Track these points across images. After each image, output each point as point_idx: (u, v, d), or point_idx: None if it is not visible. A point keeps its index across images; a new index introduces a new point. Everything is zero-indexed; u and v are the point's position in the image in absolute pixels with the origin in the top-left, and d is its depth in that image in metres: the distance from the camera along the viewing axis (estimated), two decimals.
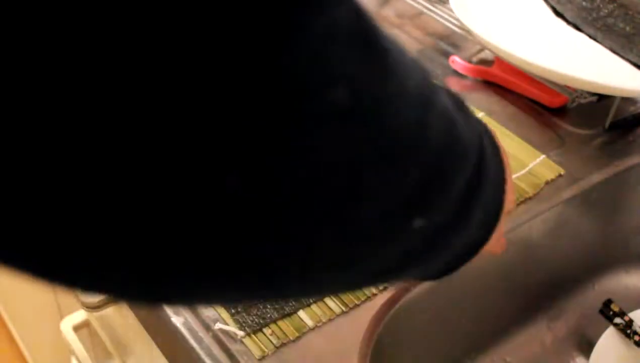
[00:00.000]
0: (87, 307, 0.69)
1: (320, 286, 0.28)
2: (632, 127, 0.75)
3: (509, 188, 0.35)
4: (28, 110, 0.17)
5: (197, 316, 0.53)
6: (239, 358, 0.50)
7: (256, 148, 0.20)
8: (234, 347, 0.51)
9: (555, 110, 0.77)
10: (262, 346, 0.51)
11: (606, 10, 0.46)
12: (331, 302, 0.55)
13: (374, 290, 0.56)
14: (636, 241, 0.76)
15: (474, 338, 0.67)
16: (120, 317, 0.73)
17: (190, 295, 0.24)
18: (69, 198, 0.18)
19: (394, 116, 0.24)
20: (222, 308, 0.53)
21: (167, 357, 0.58)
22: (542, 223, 0.66)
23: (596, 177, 0.69)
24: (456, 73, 0.82)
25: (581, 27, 0.49)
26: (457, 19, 0.80)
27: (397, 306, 0.55)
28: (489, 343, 0.69)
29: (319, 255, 0.24)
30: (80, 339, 0.78)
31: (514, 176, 0.67)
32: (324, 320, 0.53)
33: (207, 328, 0.52)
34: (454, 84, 0.81)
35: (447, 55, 0.84)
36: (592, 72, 0.68)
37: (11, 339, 1.50)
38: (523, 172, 0.68)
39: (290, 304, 0.54)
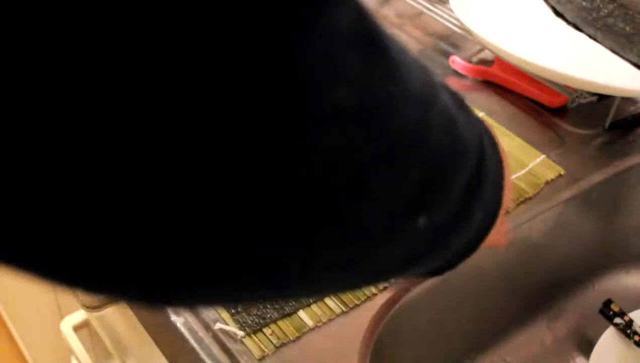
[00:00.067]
0: (87, 307, 0.69)
1: (320, 286, 0.28)
2: (632, 127, 0.75)
3: (507, 187, 0.36)
4: (30, 111, 0.17)
5: (197, 316, 0.53)
6: (239, 358, 0.50)
7: (256, 148, 0.20)
8: (234, 347, 0.51)
9: (555, 110, 0.77)
10: (262, 346, 0.51)
11: (606, 10, 0.46)
12: (331, 302, 0.55)
13: (374, 290, 0.56)
14: (636, 241, 0.76)
15: (474, 338, 0.67)
16: (120, 317, 0.73)
17: (191, 296, 0.24)
18: (72, 199, 0.18)
19: (394, 116, 0.24)
20: (222, 308, 0.53)
21: (167, 357, 0.58)
22: (542, 223, 0.66)
23: (596, 177, 0.69)
24: (456, 73, 0.82)
25: (581, 27, 0.49)
26: (457, 19, 0.80)
27: (397, 306, 0.55)
28: (489, 343, 0.69)
29: (319, 255, 0.24)
30: (80, 339, 0.78)
31: (514, 176, 0.67)
32: (324, 320, 0.53)
33: (207, 328, 0.52)
34: (454, 84, 0.81)
35: (447, 55, 0.84)
36: (592, 72, 0.68)
37: (11, 339, 1.50)
38: (523, 172, 0.68)
39: (290, 304, 0.54)
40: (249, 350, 0.51)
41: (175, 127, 0.18)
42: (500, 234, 0.38)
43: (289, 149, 0.20)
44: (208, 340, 0.51)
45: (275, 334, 0.52)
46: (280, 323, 0.53)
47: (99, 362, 0.83)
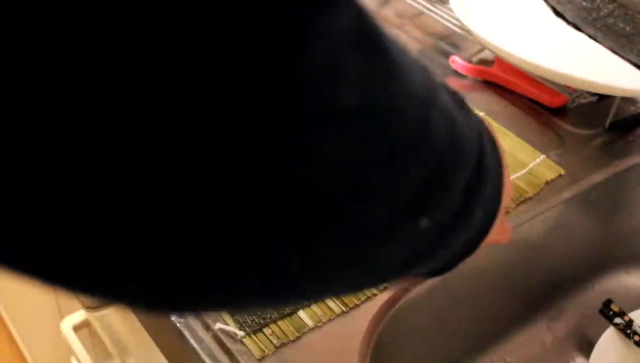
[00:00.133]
0: (87, 307, 0.69)
1: (321, 287, 0.28)
2: (632, 127, 0.75)
3: (506, 186, 0.36)
4: (30, 113, 0.17)
5: (197, 316, 0.53)
6: (239, 358, 0.50)
7: (256, 148, 0.20)
8: (234, 347, 0.51)
9: (555, 110, 0.77)
10: (262, 346, 0.51)
11: (606, 10, 0.46)
12: (331, 302, 0.55)
13: (374, 290, 0.56)
14: (636, 241, 0.76)
15: (474, 338, 0.67)
16: (120, 317, 0.73)
17: (192, 298, 0.23)
18: (71, 199, 0.18)
19: (395, 116, 0.24)
20: None
21: (167, 357, 0.58)
22: (542, 224, 0.66)
23: (596, 177, 0.69)
24: (456, 73, 0.82)
25: (581, 27, 0.49)
26: (457, 19, 0.80)
27: (397, 306, 0.55)
28: (489, 343, 0.69)
29: (319, 254, 0.24)
30: (80, 339, 0.78)
31: (514, 176, 0.67)
32: (324, 320, 0.53)
33: (207, 328, 0.52)
34: (454, 84, 0.81)
35: (447, 55, 0.84)
36: (592, 72, 0.68)
37: (11, 339, 1.50)
38: (523, 172, 0.68)
39: None
40: (249, 350, 0.51)
41: (175, 127, 0.18)
42: (501, 233, 0.38)
43: (289, 148, 0.20)
44: (208, 340, 0.51)
45: (275, 334, 0.52)
46: (280, 323, 0.53)
47: (99, 362, 0.83)
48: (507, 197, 0.37)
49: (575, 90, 0.75)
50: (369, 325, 0.53)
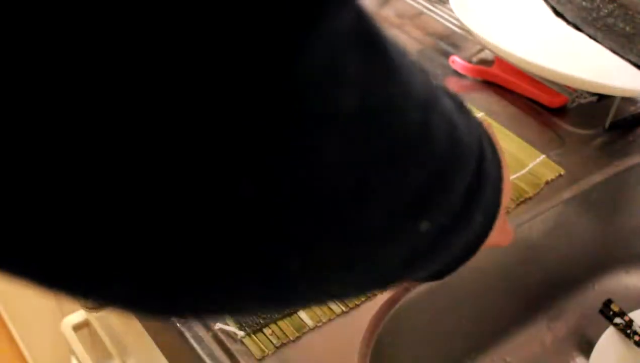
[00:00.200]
0: (87, 307, 0.69)
1: (321, 288, 0.28)
2: (632, 127, 0.75)
3: (506, 189, 0.36)
4: (30, 114, 0.17)
5: (198, 319, 0.53)
6: (239, 358, 0.50)
7: (256, 148, 0.20)
8: (234, 347, 0.51)
9: (555, 110, 0.77)
10: (262, 346, 0.51)
11: (606, 10, 0.46)
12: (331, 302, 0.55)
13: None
14: (636, 241, 0.76)
15: (474, 338, 0.67)
16: (120, 317, 0.73)
17: (192, 300, 0.23)
18: (70, 198, 0.18)
19: (395, 116, 0.24)
20: None
21: (167, 357, 0.58)
22: (542, 224, 0.66)
23: (596, 177, 0.69)
24: (456, 73, 0.82)
25: (581, 27, 0.49)
26: (457, 19, 0.80)
27: (397, 306, 0.55)
28: (489, 343, 0.69)
29: (319, 254, 0.24)
30: (80, 339, 0.78)
31: (514, 176, 0.67)
32: (324, 320, 0.53)
33: (207, 328, 0.52)
34: (454, 84, 0.81)
35: (447, 55, 0.84)
36: (592, 72, 0.68)
37: (11, 339, 1.50)
38: (523, 172, 0.68)
39: None
40: (249, 350, 0.51)
41: (176, 127, 0.18)
42: (502, 235, 0.38)
43: (289, 149, 0.20)
44: (208, 340, 0.51)
45: (275, 334, 0.52)
46: (280, 323, 0.53)
47: (99, 362, 0.83)
48: (507, 198, 0.37)
49: (575, 90, 0.75)
50: (369, 325, 0.53)
